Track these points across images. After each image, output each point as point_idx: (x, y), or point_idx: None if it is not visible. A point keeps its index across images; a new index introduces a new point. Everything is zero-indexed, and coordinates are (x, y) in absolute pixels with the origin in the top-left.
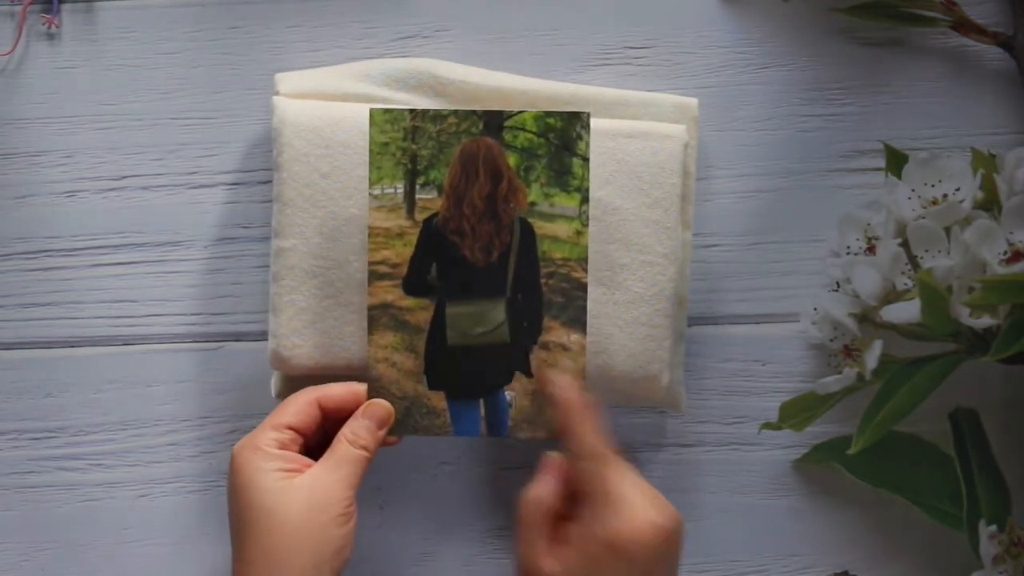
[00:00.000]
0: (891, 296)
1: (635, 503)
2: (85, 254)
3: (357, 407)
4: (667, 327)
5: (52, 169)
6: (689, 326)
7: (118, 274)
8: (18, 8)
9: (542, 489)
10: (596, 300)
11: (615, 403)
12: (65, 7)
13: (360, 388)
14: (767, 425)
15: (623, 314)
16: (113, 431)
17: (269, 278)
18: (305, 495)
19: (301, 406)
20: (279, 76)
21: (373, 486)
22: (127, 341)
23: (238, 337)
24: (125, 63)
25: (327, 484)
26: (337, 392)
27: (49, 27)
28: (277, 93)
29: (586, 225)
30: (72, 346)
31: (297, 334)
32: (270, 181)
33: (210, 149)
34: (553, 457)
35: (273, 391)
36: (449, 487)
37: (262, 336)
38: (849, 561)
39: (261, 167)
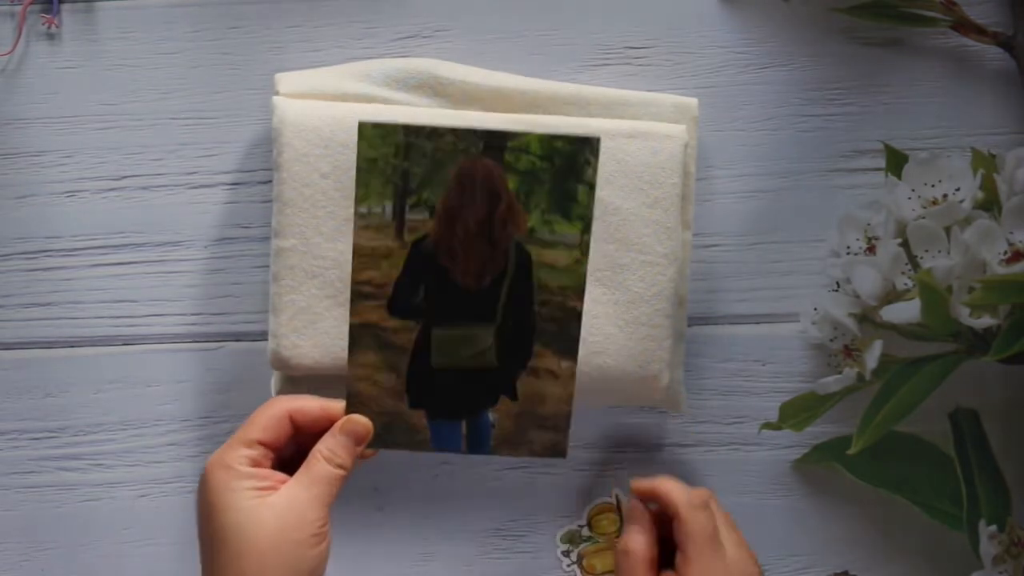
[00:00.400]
0: (891, 296)
1: (734, 546)
2: (85, 254)
3: (331, 425)
4: (667, 327)
5: (52, 169)
6: (689, 326)
7: (118, 274)
8: (18, 8)
9: (641, 540)
10: (596, 300)
11: (615, 403)
12: (65, 7)
13: (335, 407)
14: (767, 425)
15: (623, 314)
16: (113, 431)
17: (269, 278)
18: (278, 514)
19: (270, 421)
20: (279, 76)
21: (373, 486)
22: (127, 341)
23: (238, 337)
24: (125, 63)
25: (301, 502)
26: (311, 409)
27: (49, 27)
28: (277, 93)
29: (586, 253)
30: (72, 346)
31: (297, 334)
32: (270, 181)
33: (210, 149)
34: (639, 506)
35: (273, 391)
36: (449, 487)
37: (262, 336)
38: (849, 561)
39: (261, 167)
